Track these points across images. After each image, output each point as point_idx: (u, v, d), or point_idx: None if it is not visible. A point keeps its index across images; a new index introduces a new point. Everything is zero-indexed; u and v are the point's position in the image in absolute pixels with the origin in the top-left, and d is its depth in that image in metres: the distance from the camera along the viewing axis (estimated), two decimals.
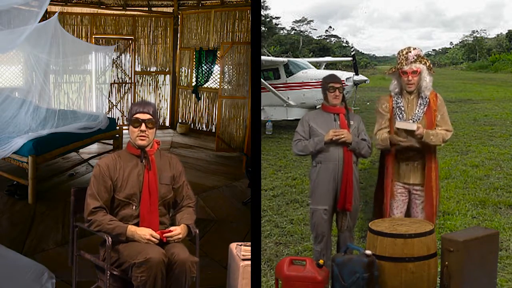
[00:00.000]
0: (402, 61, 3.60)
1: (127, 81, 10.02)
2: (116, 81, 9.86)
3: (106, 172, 3.04)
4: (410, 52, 3.59)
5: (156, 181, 3.09)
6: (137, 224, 3.02)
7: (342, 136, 3.53)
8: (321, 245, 3.64)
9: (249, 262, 3.18)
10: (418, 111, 3.59)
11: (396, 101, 3.65)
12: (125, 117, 9.94)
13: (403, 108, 3.62)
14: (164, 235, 3.00)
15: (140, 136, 3.06)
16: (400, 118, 3.61)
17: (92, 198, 3.01)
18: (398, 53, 3.66)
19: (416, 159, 3.60)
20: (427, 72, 3.60)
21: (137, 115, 3.06)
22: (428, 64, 3.61)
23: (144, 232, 2.96)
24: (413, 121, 3.57)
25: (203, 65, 9.57)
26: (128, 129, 3.15)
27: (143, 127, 3.05)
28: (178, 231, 3.04)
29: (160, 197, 3.10)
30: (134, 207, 3.04)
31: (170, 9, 10.17)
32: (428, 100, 3.60)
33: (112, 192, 3.05)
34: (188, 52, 9.93)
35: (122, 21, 9.87)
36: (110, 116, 8.70)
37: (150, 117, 3.07)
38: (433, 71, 3.64)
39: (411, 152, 3.59)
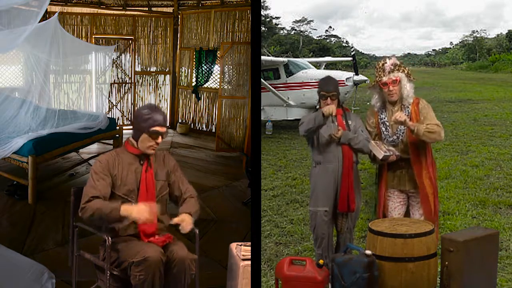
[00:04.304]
0: (380, 73, 3.58)
1: (127, 81, 10.02)
2: (116, 81, 9.85)
3: (106, 167, 3.03)
4: (386, 62, 3.57)
5: (153, 178, 3.11)
6: (135, 223, 3.01)
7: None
8: (322, 247, 3.62)
9: (249, 262, 3.17)
10: (401, 125, 3.56)
11: (380, 116, 3.63)
12: (125, 117, 9.94)
13: (387, 124, 3.60)
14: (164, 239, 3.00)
15: (154, 147, 3.06)
16: (385, 135, 3.59)
17: (91, 188, 2.97)
18: (375, 67, 3.64)
19: (409, 167, 3.58)
20: (406, 80, 3.56)
21: (158, 128, 3.03)
22: (406, 71, 3.58)
23: (142, 209, 2.88)
24: (397, 137, 3.55)
25: (203, 65, 9.57)
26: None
27: (159, 139, 3.05)
28: (179, 218, 3.00)
29: (157, 193, 3.11)
30: (132, 205, 3.03)
31: (170, 9, 10.17)
32: (410, 111, 3.55)
33: (111, 188, 3.03)
34: (188, 52, 9.94)
35: (122, 21, 9.86)
36: (110, 116, 8.69)
37: (166, 128, 3.08)
38: (413, 78, 3.60)
39: (402, 162, 3.57)
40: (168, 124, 3.10)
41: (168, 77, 10.35)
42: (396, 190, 3.63)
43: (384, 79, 3.54)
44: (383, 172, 3.63)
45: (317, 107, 3.74)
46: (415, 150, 3.53)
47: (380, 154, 3.47)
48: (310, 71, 11.68)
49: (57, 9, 8.61)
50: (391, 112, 3.60)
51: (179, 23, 10.12)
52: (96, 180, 2.99)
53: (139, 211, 2.87)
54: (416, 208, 3.63)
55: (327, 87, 3.60)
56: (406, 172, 3.59)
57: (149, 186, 3.07)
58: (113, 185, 3.04)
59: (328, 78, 3.69)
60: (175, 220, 3.03)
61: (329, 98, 3.58)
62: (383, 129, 3.61)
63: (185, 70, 10.08)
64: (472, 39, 35.57)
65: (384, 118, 3.61)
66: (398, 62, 3.58)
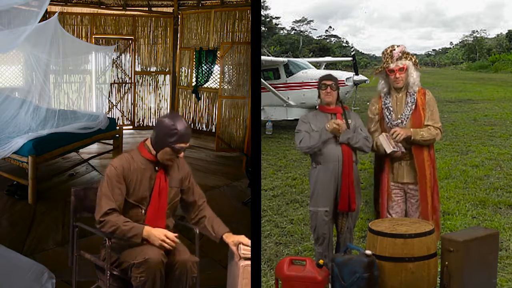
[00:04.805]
0: (387, 59, 3.59)
1: (127, 81, 10.02)
2: (116, 81, 9.85)
3: (121, 173, 2.92)
4: (394, 49, 3.58)
5: (167, 185, 3.04)
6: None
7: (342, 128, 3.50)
8: (323, 247, 3.63)
9: (249, 262, 3.17)
10: (406, 110, 3.57)
11: (385, 101, 3.64)
12: (125, 117, 9.94)
13: (391, 109, 3.61)
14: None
15: (174, 160, 3.01)
16: (388, 119, 3.60)
17: (107, 199, 2.88)
18: (383, 53, 3.64)
19: (409, 158, 3.59)
20: (413, 68, 3.59)
21: (183, 145, 2.96)
22: (413, 59, 3.60)
23: (159, 233, 2.88)
24: (401, 121, 3.56)
25: (203, 65, 9.57)
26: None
27: (182, 154, 3.00)
28: (234, 247, 3.06)
29: (169, 200, 3.07)
30: (142, 211, 2.99)
31: (170, 9, 10.16)
32: (415, 98, 3.58)
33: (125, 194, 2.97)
34: (188, 52, 9.93)
35: (122, 21, 9.86)
36: (110, 116, 8.69)
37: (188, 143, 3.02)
38: (419, 67, 3.63)
39: (404, 153, 3.58)
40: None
41: (168, 77, 10.34)
42: (394, 186, 3.63)
43: (392, 65, 3.56)
44: (385, 164, 3.63)
45: (317, 107, 3.74)
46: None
47: (389, 149, 3.48)
48: (310, 71, 11.68)
49: (57, 9, 8.60)
50: (395, 99, 3.61)
51: (179, 23, 10.11)
52: (111, 189, 2.89)
53: (162, 242, 2.87)
54: (415, 206, 3.62)
55: (328, 77, 3.63)
56: (406, 163, 3.59)
57: (162, 193, 3.01)
58: (126, 191, 2.96)
59: (328, 73, 3.73)
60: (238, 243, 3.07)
61: (328, 87, 3.59)
62: (387, 113, 3.61)
63: (185, 70, 10.07)
64: (472, 39, 35.60)
65: (388, 103, 3.62)
66: (406, 50, 3.59)
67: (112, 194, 2.89)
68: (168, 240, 2.88)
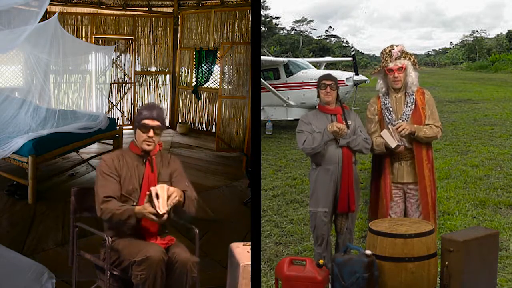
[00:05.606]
0: (386, 58, 3.58)
1: (127, 81, 10.02)
2: (116, 81, 9.85)
3: (112, 166, 3.07)
4: (393, 48, 3.58)
5: (155, 178, 3.12)
6: (138, 222, 3.00)
7: (343, 132, 3.50)
8: (322, 247, 3.63)
9: (249, 262, 3.17)
10: (406, 109, 3.57)
11: (384, 102, 3.63)
12: (125, 117, 9.94)
13: (391, 109, 3.61)
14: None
15: (147, 141, 3.09)
16: (389, 119, 3.60)
17: (102, 188, 3.00)
18: (382, 52, 3.64)
19: (409, 158, 3.59)
20: (412, 68, 3.58)
21: (146, 121, 3.07)
22: (412, 59, 3.60)
23: (144, 205, 2.84)
24: (402, 121, 3.56)
25: (203, 65, 9.57)
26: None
27: (151, 133, 3.07)
28: (173, 192, 2.87)
29: None
30: (134, 203, 3.04)
31: (170, 9, 10.17)
32: (415, 98, 3.58)
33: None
34: (188, 52, 9.93)
35: (122, 21, 9.86)
36: (110, 116, 8.69)
37: (159, 123, 3.09)
38: (418, 66, 3.63)
39: (404, 152, 3.58)
40: (162, 120, 3.15)
41: (168, 77, 10.34)
42: (393, 186, 3.63)
43: (390, 65, 3.55)
44: (385, 165, 3.62)
45: (317, 107, 3.74)
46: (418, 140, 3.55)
47: (393, 143, 3.48)
48: (310, 71, 11.67)
49: (57, 9, 8.60)
50: (394, 99, 3.61)
51: (179, 23, 10.11)
52: (105, 180, 3.02)
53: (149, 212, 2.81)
54: (415, 206, 3.62)
55: (327, 77, 3.62)
56: (406, 163, 3.59)
57: (151, 185, 3.03)
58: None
59: (328, 73, 3.73)
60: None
61: (328, 87, 3.58)
62: (387, 113, 3.60)
63: (185, 70, 10.08)
64: (472, 39, 35.60)
65: (388, 103, 3.61)
66: (405, 50, 3.59)
67: (106, 184, 3.01)
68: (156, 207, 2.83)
